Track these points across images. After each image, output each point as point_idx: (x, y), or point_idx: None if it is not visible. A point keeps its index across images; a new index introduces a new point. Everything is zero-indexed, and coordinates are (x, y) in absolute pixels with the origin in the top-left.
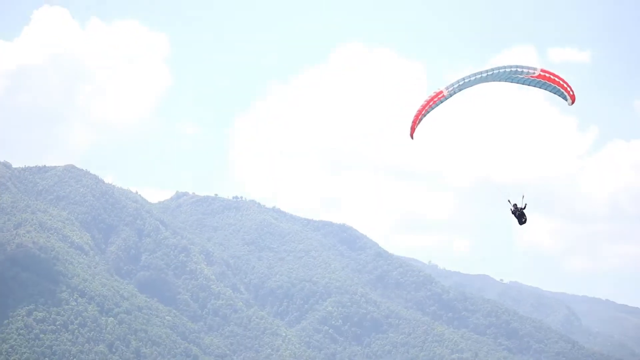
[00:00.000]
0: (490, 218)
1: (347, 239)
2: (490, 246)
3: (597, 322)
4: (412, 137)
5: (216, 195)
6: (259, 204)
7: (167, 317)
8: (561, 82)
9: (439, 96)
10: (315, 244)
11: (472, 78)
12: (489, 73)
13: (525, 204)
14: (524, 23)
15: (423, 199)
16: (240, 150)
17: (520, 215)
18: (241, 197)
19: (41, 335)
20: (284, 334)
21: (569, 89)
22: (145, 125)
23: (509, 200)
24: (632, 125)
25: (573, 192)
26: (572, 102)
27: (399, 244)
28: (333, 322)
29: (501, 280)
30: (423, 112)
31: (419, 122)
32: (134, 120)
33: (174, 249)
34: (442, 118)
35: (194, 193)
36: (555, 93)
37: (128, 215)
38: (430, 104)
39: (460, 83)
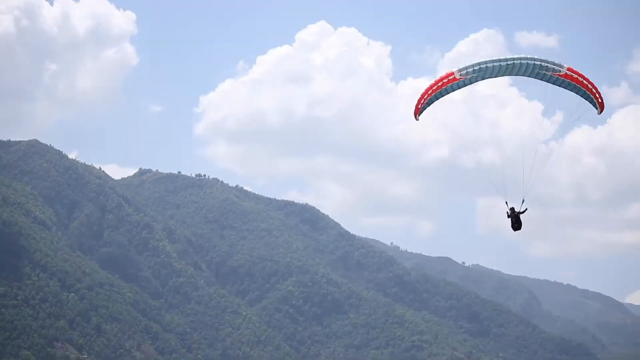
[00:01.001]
0: (453, 201)
1: (309, 219)
2: (453, 229)
3: (558, 307)
4: (416, 118)
5: (179, 173)
6: (222, 182)
7: (128, 294)
8: (589, 85)
9: (449, 78)
10: (278, 224)
11: (490, 65)
12: (509, 63)
13: (526, 209)
14: (490, 6)
15: (386, 180)
16: (204, 129)
17: (514, 219)
18: (204, 175)
19: (2, 310)
20: (244, 313)
21: (597, 95)
22: (111, 102)
23: (506, 202)
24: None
25: (537, 177)
26: (601, 112)
27: (361, 225)
28: (294, 301)
29: (463, 263)
30: (429, 93)
31: (425, 104)
32: (99, 97)
33: (136, 226)
34: (408, 99)
35: (157, 170)
36: (583, 97)
37: (91, 191)
38: (439, 85)
39: (476, 68)
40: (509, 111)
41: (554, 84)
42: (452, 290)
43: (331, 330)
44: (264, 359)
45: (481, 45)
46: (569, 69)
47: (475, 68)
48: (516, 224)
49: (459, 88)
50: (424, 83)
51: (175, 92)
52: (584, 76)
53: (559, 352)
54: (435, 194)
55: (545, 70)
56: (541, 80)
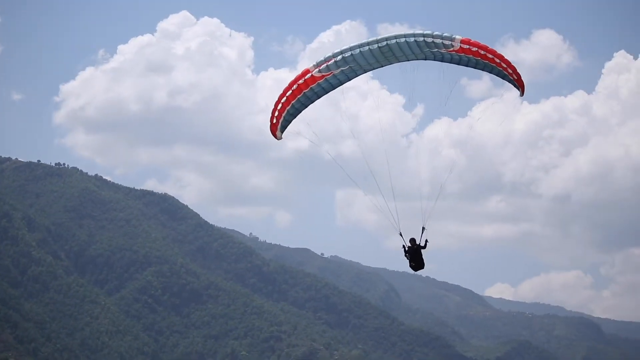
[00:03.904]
0: (312, 192)
1: (168, 209)
2: (312, 220)
3: (417, 299)
4: (277, 137)
5: (39, 161)
6: (81, 171)
7: None
8: (497, 59)
9: (306, 78)
10: (136, 213)
11: (358, 52)
12: (381, 45)
13: (426, 242)
14: None
15: (245, 171)
16: (64, 117)
17: (414, 255)
18: (64, 164)
19: None
20: (103, 303)
21: (511, 71)
22: None
23: (400, 233)
24: (459, 104)
25: (397, 169)
26: (523, 93)
27: (220, 215)
28: (152, 291)
29: (322, 254)
30: (284, 103)
31: (283, 121)
32: None
33: None
34: (269, 90)
35: (16, 159)
36: (498, 76)
37: None
38: (295, 89)
39: (339, 59)
40: (370, 104)
41: (450, 62)
42: (310, 281)
43: (190, 320)
44: (123, 348)
45: (343, 36)
46: (463, 41)
47: (337, 60)
48: (413, 262)
49: (325, 92)
50: (284, 74)
51: (36, 80)
52: (486, 47)
53: (418, 344)
54: (295, 185)
55: (436, 48)
56: (440, 61)
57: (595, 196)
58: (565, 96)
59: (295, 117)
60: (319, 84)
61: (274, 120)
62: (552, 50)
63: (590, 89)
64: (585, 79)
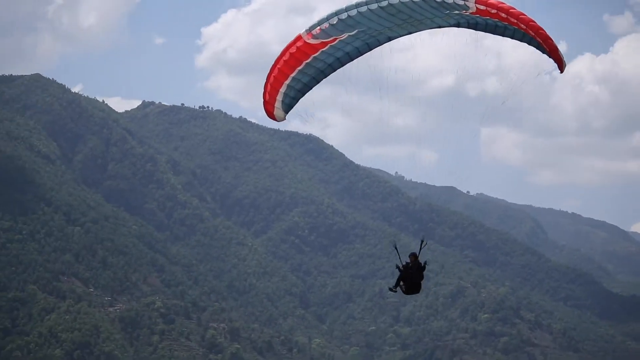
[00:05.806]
0: (457, 130)
1: (314, 150)
2: (457, 158)
3: (563, 236)
4: (277, 119)
5: (183, 105)
6: (225, 113)
7: (133, 227)
8: (521, 24)
9: (298, 45)
10: (282, 154)
11: (355, 12)
12: (382, 5)
13: (425, 263)
14: None
15: (389, 110)
16: (207, 60)
17: (415, 276)
18: (208, 107)
19: (8, 245)
20: (250, 244)
21: (539, 39)
22: (114, 36)
23: (395, 247)
24: (601, 39)
25: (541, 106)
26: (562, 68)
27: (365, 155)
28: (299, 232)
29: (467, 192)
30: (278, 77)
31: (280, 95)
32: (103, 31)
33: (140, 159)
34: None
35: (160, 103)
36: (527, 43)
37: (95, 125)
38: (289, 60)
39: (335, 22)
40: (512, 42)
41: (483, 30)
42: (457, 219)
43: (337, 260)
44: (270, 289)
45: None
46: (478, 1)
47: (334, 23)
48: (406, 286)
49: (341, 63)
50: None
51: (179, 24)
52: (509, 10)
53: (565, 281)
54: (439, 123)
55: (452, 9)
56: (463, 27)
57: None
58: None
59: (304, 94)
60: (328, 54)
61: (267, 97)
62: None
63: None
64: None
